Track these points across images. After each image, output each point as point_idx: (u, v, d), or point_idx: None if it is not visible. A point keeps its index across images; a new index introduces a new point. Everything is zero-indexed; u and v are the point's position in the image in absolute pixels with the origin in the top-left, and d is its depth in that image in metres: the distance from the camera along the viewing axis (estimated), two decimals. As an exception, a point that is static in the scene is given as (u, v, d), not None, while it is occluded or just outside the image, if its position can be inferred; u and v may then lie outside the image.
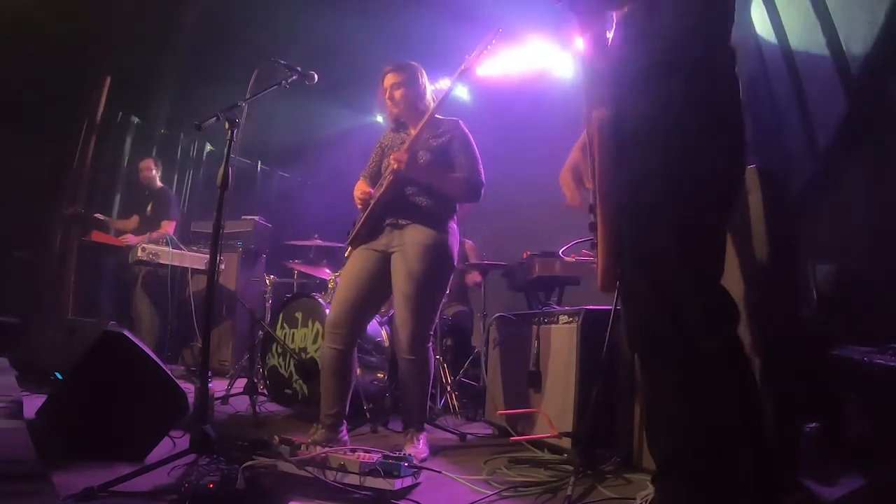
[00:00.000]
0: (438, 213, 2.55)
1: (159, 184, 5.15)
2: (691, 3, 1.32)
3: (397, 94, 2.61)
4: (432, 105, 2.57)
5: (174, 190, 6.12)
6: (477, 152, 2.62)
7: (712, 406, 1.24)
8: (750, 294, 1.83)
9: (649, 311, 1.29)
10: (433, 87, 2.74)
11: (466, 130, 2.66)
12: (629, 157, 1.29)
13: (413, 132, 2.52)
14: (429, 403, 2.73)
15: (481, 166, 2.60)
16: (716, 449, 1.24)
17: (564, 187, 1.63)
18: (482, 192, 2.61)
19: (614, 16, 1.38)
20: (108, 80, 5.38)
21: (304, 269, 4.25)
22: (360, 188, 2.65)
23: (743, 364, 1.28)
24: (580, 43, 1.39)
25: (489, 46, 2.42)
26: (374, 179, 2.72)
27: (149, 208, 5.01)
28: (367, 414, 3.07)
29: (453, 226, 2.62)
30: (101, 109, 5.43)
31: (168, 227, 4.83)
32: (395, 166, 2.44)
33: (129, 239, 4.72)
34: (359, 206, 2.63)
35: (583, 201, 1.59)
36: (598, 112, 1.28)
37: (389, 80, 2.63)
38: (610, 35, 1.39)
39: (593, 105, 1.33)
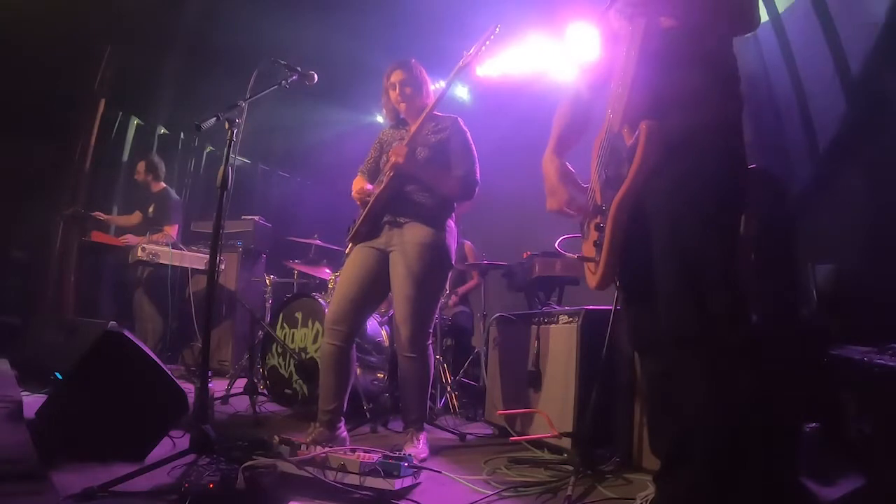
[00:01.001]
0: (437, 212, 2.55)
1: (160, 185, 5.08)
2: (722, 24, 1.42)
3: (408, 90, 2.61)
4: (431, 101, 2.58)
5: (174, 190, 6.12)
6: (474, 150, 2.63)
7: (730, 397, 1.26)
8: (750, 294, 1.83)
9: (679, 306, 1.33)
10: (434, 87, 2.74)
11: (465, 128, 2.66)
12: (666, 169, 1.35)
13: (413, 128, 2.52)
14: (429, 403, 2.73)
15: (478, 165, 2.61)
16: (726, 443, 1.25)
17: (558, 194, 1.64)
18: (476, 190, 2.61)
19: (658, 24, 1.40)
20: (109, 79, 5.37)
21: (304, 269, 4.24)
22: (358, 185, 2.65)
23: (759, 358, 1.32)
24: (625, 50, 1.41)
25: (487, 43, 2.42)
26: (371, 175, 2.72)
27: (150, 209, 4.99)
28: (367, 414, 3.07)
29: (451, 224, 2.62)
30: (100, 109, 5.42)
31: (171, 232, 4.82)
32: (395, 160, 2.44)
33: (129, 239, 4.71)
34: (358, 203, 2.64)
35: (574, 205, 1.62)
36: (649, 123, 1.32)
37: (397, 76, 2.62)
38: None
39: (638, 114, 1.37)
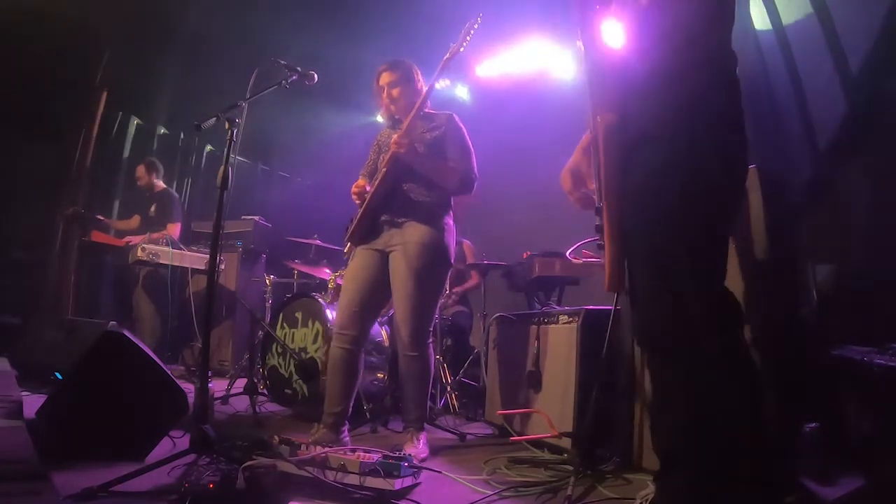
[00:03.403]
0: (435, 211, 2.56)
1: (160, 186, 5.12)
2: (695, 8, 1.33)
3: (395, 92, 2.62)
4: (423, 95, 2.56)
5: (174, 190, 6.12)
6: (470, 146, 2.63)
7: (715, 404, 1.25)
8: (750, 294, 1.83)
9: (656, 311, 1.30)
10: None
11: (461, 124, 2.66)
12: (636, 163, 1.30)
13: (406, 123, 2.50)
14: (429, 403, 2.73)
15: (475, 160, 2.61)
16: (717, 447, 1.25)
17: (563, 187, 1.66)
18: (475, 185, 2.62)
19: (620, 14, 1.37)
20: (109, 80, 5.37)
21: (304, 269, 4.25)
22: (358, 185, 2.65)
23: (745, 363, 1.29)
24: (585, 43, 1.39)
25: (471, 34, 2.43)
26: (371, 177, 2.73)
27: (152, 209, 4.99)
28: (367, 414, 3.07)
29: (450, 222, 2.63)
30: (101, 109, 5.42)
31: (173, 230, 4.82)
32: (395, 149, 2.43)
33: (132, 239, 4.70)
34: (355, 201, 2.64)
35: (582, 201, 1.61)
36: (605, 116, 1.27)
37: (385, 78, 2.63)
38: (615, 34, 1.39)
39: (599, 108, 1.32)
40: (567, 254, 2.04)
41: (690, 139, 1.27)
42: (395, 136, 2.48)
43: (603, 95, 1.33)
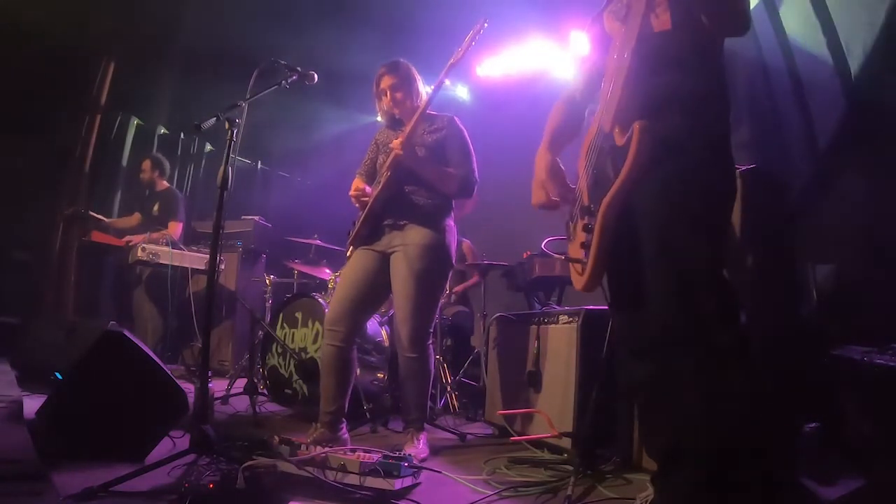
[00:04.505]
0: (436, 213, 2.56)
1: (164, 185, 5.07)
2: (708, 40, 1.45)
3: (398, 95, 2.61)
4: (425, 99, 2.57)
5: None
6: (471, 149, 2.63)
7: (722, 402, 1.26)
8: (747, 294, 1.83)
9: (669, 311, 1.33)
10: (427, 87, 2.73)
11: (461, 126, 2.66)
12: (659, 170, 1.35)
13: (408, 127, 2.51)
14: (429, 403, 2.73)
15: (475, 163, 2.61)
16: (722, 446, 1.25)
17: (547, 188, 1.68)
18: (475, 189, 2.61)
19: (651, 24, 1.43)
20: (109, 80, 5.37)
21: (304, 269, 4.25)
22: (356, 187, 2.65)
23: (750, 357, 1.32)
24: (615, 50, 1.42)
25: (476, 38, 2.42)
26: (369, 176, 2.73)
27: (155, 208, 4.96)
28: (367, 414, 3.07)
29: (451, 224, 2.63)
30: (101, 110, 5.42)
31: (175, 229, 4.80)
32: (397, 151, 2.43)
33: (134, 239, 4.69)
34: (356, 205, 2.64)
35: (562, 202, 1.66)
36: (641, 123, 1.33)
37: (386, 81, 2.62)
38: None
39: (630, 114, 1.37)
40: (542, 246, 2.05)
41: (714, 150, 1.39)
42: (395, 141, 2.48)
43: (634, 100, 1.39)
